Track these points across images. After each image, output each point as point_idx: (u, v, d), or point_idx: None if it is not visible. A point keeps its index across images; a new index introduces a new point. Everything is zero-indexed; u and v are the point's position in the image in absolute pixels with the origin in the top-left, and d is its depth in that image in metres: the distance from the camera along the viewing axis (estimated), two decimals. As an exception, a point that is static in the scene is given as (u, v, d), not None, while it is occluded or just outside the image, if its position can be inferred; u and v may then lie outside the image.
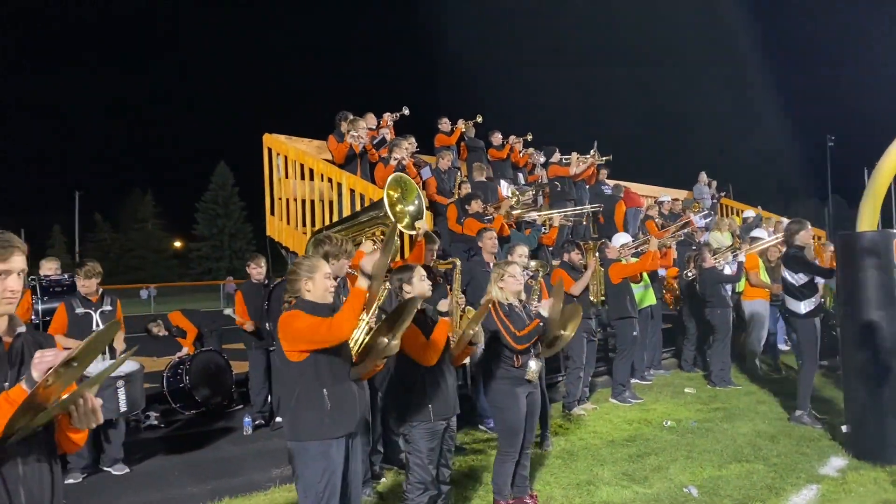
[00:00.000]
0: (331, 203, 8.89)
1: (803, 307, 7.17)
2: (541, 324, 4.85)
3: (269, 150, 9.53)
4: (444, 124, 12.06)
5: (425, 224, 5.63)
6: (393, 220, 5.35)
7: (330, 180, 8.76)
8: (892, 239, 6.13)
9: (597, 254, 7.81)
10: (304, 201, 9.30)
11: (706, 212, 16.52)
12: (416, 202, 5.66)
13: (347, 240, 4.93)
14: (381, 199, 5.40)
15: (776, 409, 7.84)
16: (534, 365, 4.88)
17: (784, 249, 7.78)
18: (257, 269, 7.78)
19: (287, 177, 9.56)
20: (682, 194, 17.03)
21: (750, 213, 14.86)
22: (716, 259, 9.28)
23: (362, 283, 3.55)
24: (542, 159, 13.11)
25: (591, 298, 7.82)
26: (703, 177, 17.29)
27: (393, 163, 8.37)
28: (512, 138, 12.93)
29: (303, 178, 9.39)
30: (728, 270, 9.29)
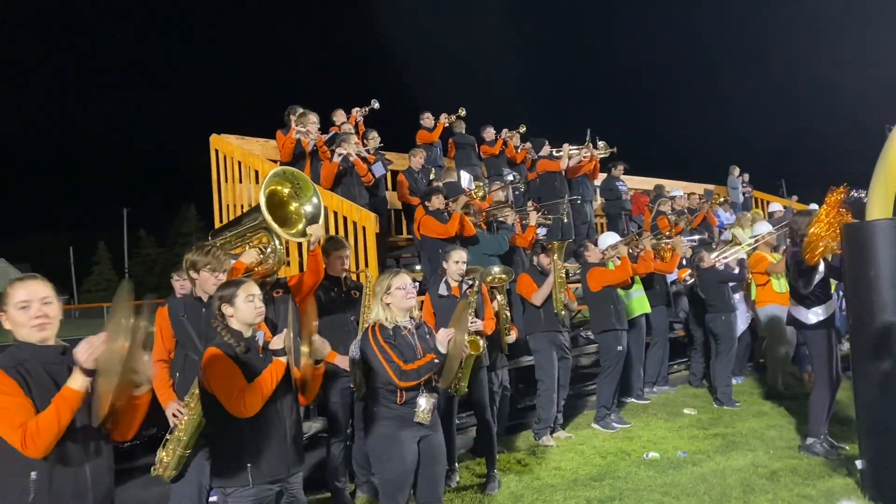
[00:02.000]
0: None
1: (812, 316, 5.95)
2: (435, 360, 3.78)
3: (216, 152, 8.67)
4: (427, 119, 11.09)
5: (319, 228, 4.63)
6: (275, 226, 4.38)
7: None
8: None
9: (556, 256, 6.65)
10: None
11: (726, 202, 15.19)
12: (314, 200, 4.69)
13: (223, 249, 4.02)
14: (260, 203, 4.42)
15: (788, 436, 6.59)
16: (424, 402, 3.83)
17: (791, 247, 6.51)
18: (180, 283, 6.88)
19: (241, 181, 8.69)
20: (717, 190, 15.69)
21: (777, 206, 13.42)
22: (715, 258, 8.04)
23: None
24: (536, 154, 11.93)
25: (557, 309, 6.69)
26: (736, 170, 15.94)
27: (337, 159, 7.41)
28: (505, 132, 11.86)
29: (257, 181, 8.51)
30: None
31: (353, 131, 8.99)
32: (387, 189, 9.46)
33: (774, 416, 7.38)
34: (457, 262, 5.55)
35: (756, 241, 8.51)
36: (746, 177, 16.18)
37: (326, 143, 7.88)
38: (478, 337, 5.26)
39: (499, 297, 6.19)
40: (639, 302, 8.31)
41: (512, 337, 6.33)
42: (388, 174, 9.57)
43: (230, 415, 3.20)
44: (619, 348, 7.15)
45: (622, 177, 12.86)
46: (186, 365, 3.85)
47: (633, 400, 8.31)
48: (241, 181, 8.60)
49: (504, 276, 6.18)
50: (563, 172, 11.18)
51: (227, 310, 3.35)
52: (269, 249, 4.51)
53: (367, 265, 6.90)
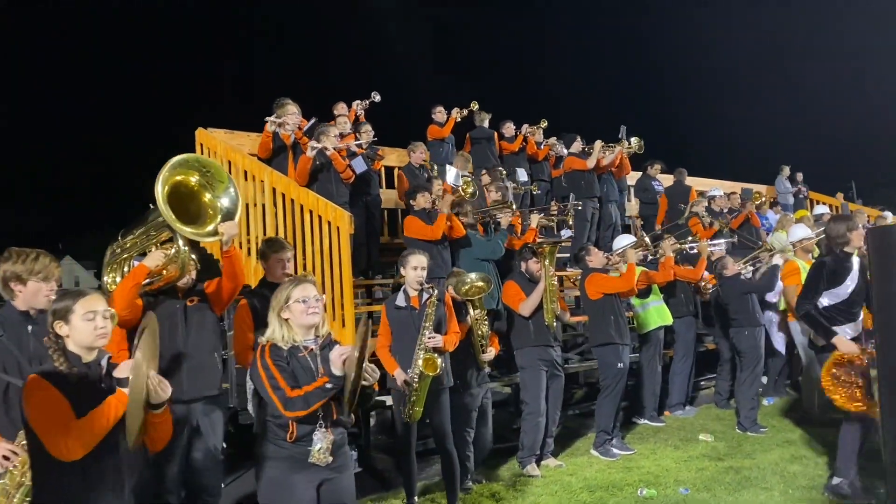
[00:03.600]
0: (264, 207, 7.43)
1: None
2: (328, 385, 3.11)
3: (202, 147, 8.19)
4: (439, 114, 10.39)
5: (235, 226, 4.01)
6: (176, 223, 3.78)
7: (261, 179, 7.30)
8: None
9: (548, 261, 5.88)
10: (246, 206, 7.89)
11: (777, 203, 14.05)
12: (231, 192, 4.09)
13: (39, 255, 3.42)
14: (156, 194, 3.82)
15: (813, 472, 5.67)
16: (319, 440, 3.17)
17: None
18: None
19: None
20: (762, 190, 14.58)
21: (824, 208, 12.27)
22: (743, 265, 7.13)
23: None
24: (565, 150, 11.12)
25: (548, 320, 5.93)
26: (786, 170, 14.79)
27: (311, 153, 6.80)
28: (525, 128, 11.09)
29: (246, 179, 8.00)
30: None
31: (346, 123, 8.37)
32: (382, 187, 8.86)
33: (803, 445, 6.44)
34: (415, 267, 4.87)
35: (777, 248, 7.54)
36: (800, 176, 15.00)
37: (305, 135, 7.29)
38: (435, 355, 4.61)
39: (473, 310, 5.49)
40: (657, 312, 7.46)
41: (490, 354, 5.63)
42: (383, 170, 8.98)
43: (54, 459, 2.61)
44: (620, 365, 6.33)
45: (659, 176, 11.96)
46: (10, 395, 3.23)
47: (645, 422, 7.47)
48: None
49: (481, 284, 5.47)
50: (592, 171, 10.40)
51: (60, 329, 2.76)
52: (172, 251, 3.91)
53: (340, 269, 6.29)
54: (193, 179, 3.94)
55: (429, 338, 4.67)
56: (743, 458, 6.14)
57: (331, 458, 3.19)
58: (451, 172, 7.10)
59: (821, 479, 5.39)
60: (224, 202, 4.06)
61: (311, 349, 3.28)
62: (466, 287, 5.43)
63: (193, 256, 4.33)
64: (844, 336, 4.94)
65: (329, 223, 6.44)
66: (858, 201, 15.07)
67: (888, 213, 11.86)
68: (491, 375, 7.01)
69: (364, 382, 3.11)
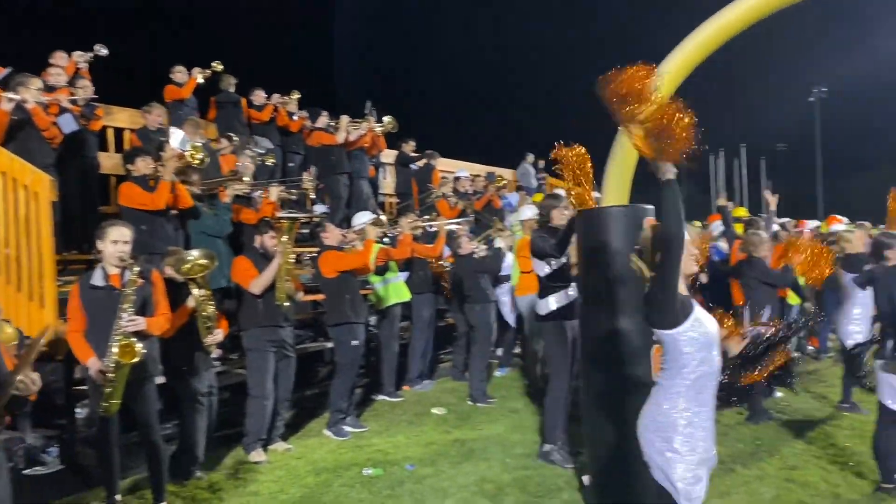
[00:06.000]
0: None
1: (544, 307, 5.38)
2: None
3: None
4: (178, 74, 9.56)
5: None
6: None
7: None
8: (646, 216, 4.37)
9: (285, 237, 5.60)
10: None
11: (521, 188, 15.00)
12: None
13: None
14: None
15: (531, 439, 6.01)
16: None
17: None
18: None
19: None
20: (507, 174, 15.41)
21: (560, 192, 13.24)
22: (476, 244, 7.39)
23: None
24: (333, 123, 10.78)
25: (280, 300, 5.63)
26: (530, 157, 15.80)
27: (6, 106, 5.83)
28: (276, 97, 10.62)
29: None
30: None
31: (60, 75, 7.32)
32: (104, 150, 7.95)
33: (526, 415, 6.83)
34: (115, 241, 4.30)
35: (510, 229, 7.97)
36: (541, 164, 16.14)
37: (1, 86, 6.25)
38: (135, 340, 4.11)
39: (197, 290, 5.04)
40: (395, 289, 7.48)
41: (218, 336, 5.22)
42: (112, 133, 8.07)
43: None
44: (355, 343, 6.24)
45: (413, 155, 12.12)
46: None
47: (383, 398, 7.50)
48: None
49: (204, 262, 5.00)
50: (341, 147, 10.21)
51: None
52: None
53: (39, 240, 5.49)
54: None
55: (127, 321, 4.16)
56: (470, 430, 6.37)
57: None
58: (177, 136, 6.46)
59: (536, 448, 5.70)
60: None
61: None
62: (188, 266, 4.94)
63: None
64: (547, 307, 5.30)
65: (25, 188, 5.58)
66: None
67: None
68: (224, 359, 6.60)
69: (16, 390, 2.63)
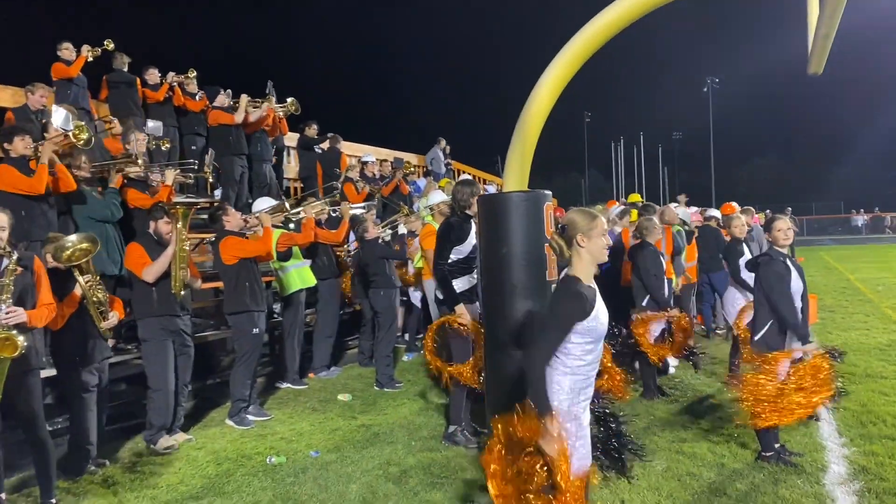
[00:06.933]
0: None
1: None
2: None
3: None
4: (66, 51, 9.04)
5: None
6: None
7: None
8: (545, 201, 4.47)
9: (181, 223, 5.40)
10: None
11: (430, 172, 15.08)
12: None
13: None
14: None
15: (436, 422, 6.09)
16: None
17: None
18: None
19: None
20: (414, 159, 15.46)
21: (467, 177, 13.42)
22: (382, 229, 7.38)
23: None
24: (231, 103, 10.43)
25: (176, 288, 5.45)
26: (442, 142, 15.90)
27: None
28: (172, 76, 10.21)
29: None
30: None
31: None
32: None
33: (433, 397, 6.90)
34: (-4, 224, 4.05)
35: (417, 214, 7.99)
36: (448, 148, 16.26)
37: None
38: (14, 333, 3.89)
39: (82, 277, 4.81)
40: (299, 275, 7.38)
41: (113, 320, 5.02)
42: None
43: None
44: (255, 331, 6.12)
45: (315, 137, 11.93)
46: None
47: (288, 385, 7.40)
48: None
49: (85, 245, 4.77)
50: (239, 127, 9.94)
51: None
52: None
53: None
54: None
55: (6, 313, 3.92)
56: (376, 415, 6.38)
57: None
58: (60, 114, 6.08)
59: (441, 429, 5.78)
60: None
61: None
62: (68, 252, 4.70)
63: None
64: (458, 287, 5.33)
65: None
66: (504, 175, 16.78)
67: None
68: (120, 349, 6.33)
69: None
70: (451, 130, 15.89)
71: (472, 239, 5.39)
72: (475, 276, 5.42)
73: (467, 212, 5.46)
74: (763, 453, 4.88)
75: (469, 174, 16.66)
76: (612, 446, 4.65)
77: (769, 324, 4.81)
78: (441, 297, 5.45)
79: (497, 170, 19.29)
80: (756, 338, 4.87)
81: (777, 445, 4.88)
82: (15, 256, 3.99)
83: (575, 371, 2.97)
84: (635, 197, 12.99)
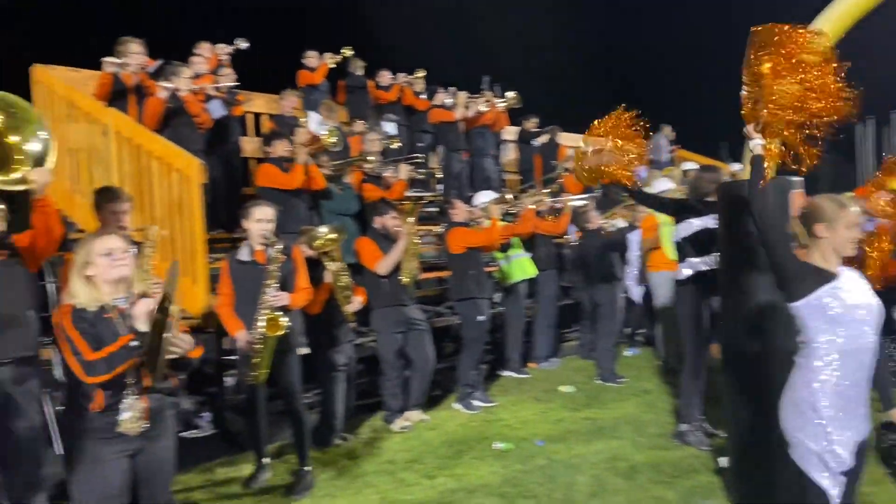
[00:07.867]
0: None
1: (683, 269, 5.21)
2: (132, 342, 2.81)
3: (39, 86, 7.39)
4: (310, 59, 9.94)
5: (47, 173, 3.56)
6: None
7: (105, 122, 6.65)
8: (791, 189, 4.13)
9: (411, 218, 5.71)
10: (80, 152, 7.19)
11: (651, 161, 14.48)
12: (42, 136, 3.59)
13: None
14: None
15: (664, 420, 5.88)
16: (129, 409, 2.87)
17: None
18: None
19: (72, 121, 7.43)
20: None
21: (692, 164, 12.71)
22: (604, 220, 7.25)
23: None
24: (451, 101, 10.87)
25: (406, 279, 5.78)
26: (667, 129, 15.15)
27: (162, 94, 6.26)
28: (402, 77, 10.80)
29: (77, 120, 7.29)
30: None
31: (203, 64, 7.78)
32: (245, 135, 8.38)
33: (658, 395, 6.69)
34: (259, 220, 4.55)
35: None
36: (673, 135, 15.47)
37: (153, 76, 6.70)
38: (279, 314, 4.34)
39: (331, 264, 5.26)
40: (520, 265, 7.47)
41: (356, 304, 5.45)
42: (252, 118, 8.47)
43: None
44: (480, 318, 6.31)
45: (534, 130, 12.00)
46: None
47: (509, 373, 7.54)
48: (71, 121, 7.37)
49: (333, 235, 5.21)
50: (460, 123, 10.29)
51: None
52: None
53: (191, 220, 5.88)
54: (-3, 121, 3.44)
55: (272, 296, 4.40)
56: (599, 409, 6.30)
57: (144, 427, 2.91)
58: (314, 119, 6.71)
59: (669, 427, 5.57)
60: (33, 147, 3.58)
61: (122, 309, 2.95)
62: (319, 241, 5.17)
63: (2, 206, 3.86)
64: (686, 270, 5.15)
65: (178, 172, 5.99)
66: (730, 160, 15.63)
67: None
68: (359, 331, 6.84)
69: (175, 351, 2.86)
70: (672, 116, 15.10)
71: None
72: (710, 262, 5.12)
73: (707, 200, 5.20)
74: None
75: (691, 161, 15.76)
76: None
77: None
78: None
79: (722, 156, 18.03)
80: None
81: None
82: (279, 246, 4.46)
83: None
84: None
